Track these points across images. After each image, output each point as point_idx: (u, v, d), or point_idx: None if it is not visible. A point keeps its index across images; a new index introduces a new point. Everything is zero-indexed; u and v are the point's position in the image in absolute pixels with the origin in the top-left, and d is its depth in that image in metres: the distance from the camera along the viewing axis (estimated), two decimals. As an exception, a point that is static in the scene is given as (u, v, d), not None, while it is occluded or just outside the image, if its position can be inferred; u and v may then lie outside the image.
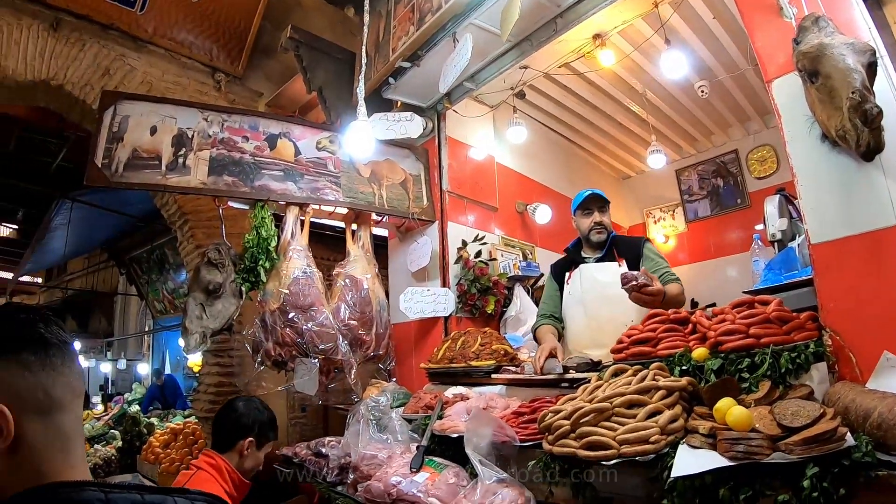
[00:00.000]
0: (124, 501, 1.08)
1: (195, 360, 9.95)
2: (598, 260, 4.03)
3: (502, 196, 5.83)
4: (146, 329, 15.43)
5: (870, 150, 2.12)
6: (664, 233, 8.61)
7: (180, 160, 4.01)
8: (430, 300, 4.65)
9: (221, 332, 4.08)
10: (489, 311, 4.90)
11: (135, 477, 7.24)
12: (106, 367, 16.67)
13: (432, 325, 4.85)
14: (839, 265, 2.35)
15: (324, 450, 3.80)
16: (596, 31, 4.74)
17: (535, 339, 4.04)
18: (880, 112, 1.99)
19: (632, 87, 6.08)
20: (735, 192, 7.77)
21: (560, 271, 4.24)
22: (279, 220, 4.37)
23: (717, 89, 6.23)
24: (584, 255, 4.13)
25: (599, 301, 3.80)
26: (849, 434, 1.74)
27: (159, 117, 4.06)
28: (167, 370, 13.49)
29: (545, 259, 6.06)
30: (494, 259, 5.23)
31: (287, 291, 4.06)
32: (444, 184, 5.10)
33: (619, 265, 3.88)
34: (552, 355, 3.38)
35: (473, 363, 3.71)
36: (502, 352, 3.75)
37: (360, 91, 4.00)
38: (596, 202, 4.10)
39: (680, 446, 2.03)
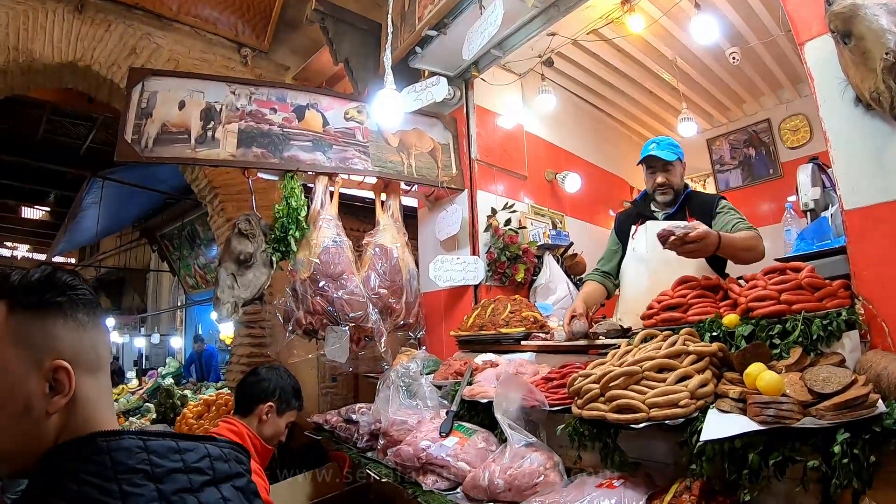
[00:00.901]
0: (161, 447, 1.12)
1: (227, 332, 10.10)
2: (669, 217, 3.68)
3: (531, 164, 5.80)
4: (178, 304, 15.69)
5: (903, 113, 2.08)
6: (696, 203, 8.40)
7: (209, 133, 4.05)
8: (459, 268, 4.67)
9: (253, 302, 4.13)
10: (519, 280, 4.91)
11: (165, 428, 7.37)
12: (140, 342, 17.07)
13: (462, 293, 4.87)
14: (873, 232, 2.31)
15: (354, 416, 3.86)
16: (625, -5, 4.68)
17: None
18: (914, 73, 1.95)
19: (661, 53, 5.97)
20: (767, 163, 7.62)
21: (624, 225, 3.93)
22: (308, 191, 4.40)
23: (748, 56, 6.10)
24: (653, 208, 3.79)
25: (664, 263, 3.44)
26: (880, 401, 1.73)
27: (187, 92, 4.10)
28: (199, 345, 13.77)
29: (575, 228, 6.09)
30: (524, 227, 5.21)
31: (317, 260, 4.10)
32: (472, 152, 5.09)
33: None
34: (574, 317, 3.34)
35: (503, 330, 3.73)
36: (532, 319, 3.75)
37: (387, 59, 4.00)
38: (656, 161, 3.70)
39: (710, 411, 2.02)
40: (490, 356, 3.61)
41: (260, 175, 4.26)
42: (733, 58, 5.93)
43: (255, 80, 5.25)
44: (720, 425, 1.90)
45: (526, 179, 5.71)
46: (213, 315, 4.01)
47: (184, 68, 5.84)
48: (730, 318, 2.49)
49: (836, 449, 1.65)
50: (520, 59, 5.40)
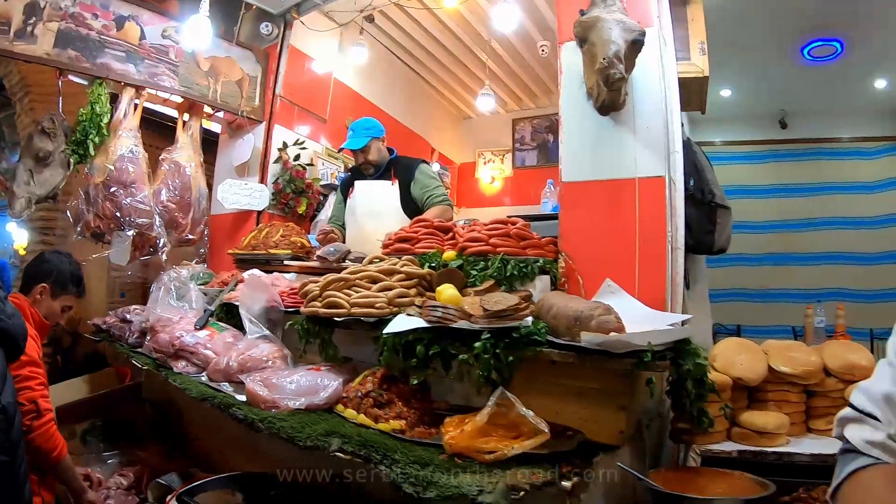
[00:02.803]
0: None
1: (22, 242, 9.70)
2: (375, 178, 4.48)
3: (334, 110, 6.10)
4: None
5: (604, 107, 2.65)
6: (492, 174, 9.14)
7: (29, 28, 3.98)
8: (245, 193, 4.92)
9: (46, 200, 4.19)
10: (300, 212, 5.27)
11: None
12: (-75, 251, 15.82)
13: (247, 218, 5.12)
14: (581, 203, 2.88)
15: (129, 316, 4.08)
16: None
17: None
18: (621, 78, 2.47)
19: (478, 32, 6.41)
20: (561, 150, 8.37)
21: (345, 187, 4.64)
22: (115, 100, 4.46)
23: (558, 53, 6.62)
24: (365, 172, 4.53)
25: (367, 215, 4.25)
26: (531, 318, 2.18)
27: (15, -16, 3.99)
28: (-7, 257, 12.93)
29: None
30: (313, 165, 5.58)
31: (112, 167, 4.21)
32: (277, 88, 5.30)
33: (393, 184, 4.36)
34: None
35: (273, 251, 4.11)
36: (299, 244, 4.15)
37: (207, -17, 4.17)
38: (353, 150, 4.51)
39: (399, 315, 2.48)
40: (256, 272, 3.93)
41: (70, 77, 4.28)
42: (542, 50, 6.46)
43: (83, -17, 5.19)
44: (400, 324, 2.36)
45: (326, 123, 6.02)
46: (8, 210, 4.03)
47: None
48: (448, 254, 2.97)
49: (478, 345, 2.09)
50: (342, 9, 5.59)
